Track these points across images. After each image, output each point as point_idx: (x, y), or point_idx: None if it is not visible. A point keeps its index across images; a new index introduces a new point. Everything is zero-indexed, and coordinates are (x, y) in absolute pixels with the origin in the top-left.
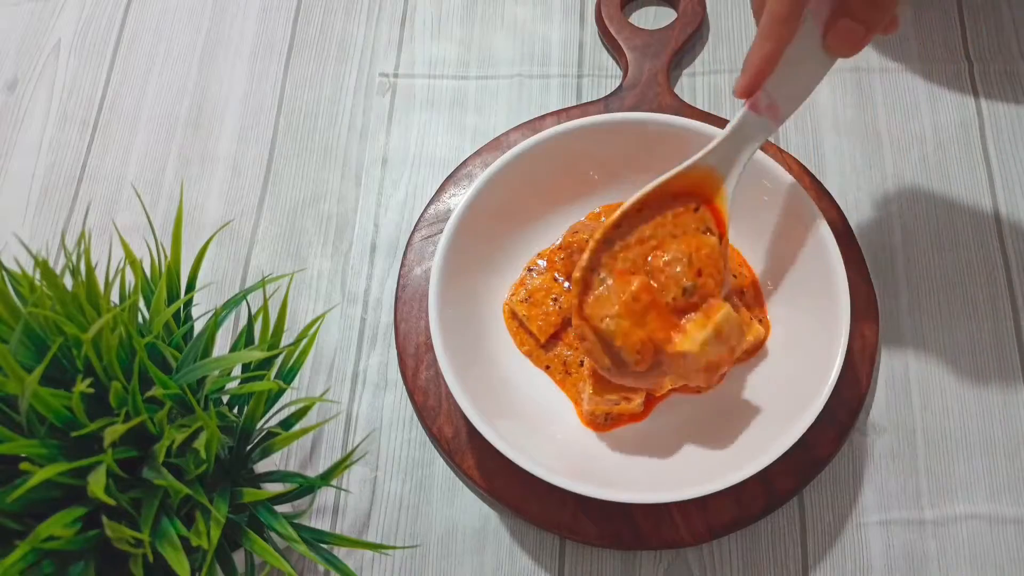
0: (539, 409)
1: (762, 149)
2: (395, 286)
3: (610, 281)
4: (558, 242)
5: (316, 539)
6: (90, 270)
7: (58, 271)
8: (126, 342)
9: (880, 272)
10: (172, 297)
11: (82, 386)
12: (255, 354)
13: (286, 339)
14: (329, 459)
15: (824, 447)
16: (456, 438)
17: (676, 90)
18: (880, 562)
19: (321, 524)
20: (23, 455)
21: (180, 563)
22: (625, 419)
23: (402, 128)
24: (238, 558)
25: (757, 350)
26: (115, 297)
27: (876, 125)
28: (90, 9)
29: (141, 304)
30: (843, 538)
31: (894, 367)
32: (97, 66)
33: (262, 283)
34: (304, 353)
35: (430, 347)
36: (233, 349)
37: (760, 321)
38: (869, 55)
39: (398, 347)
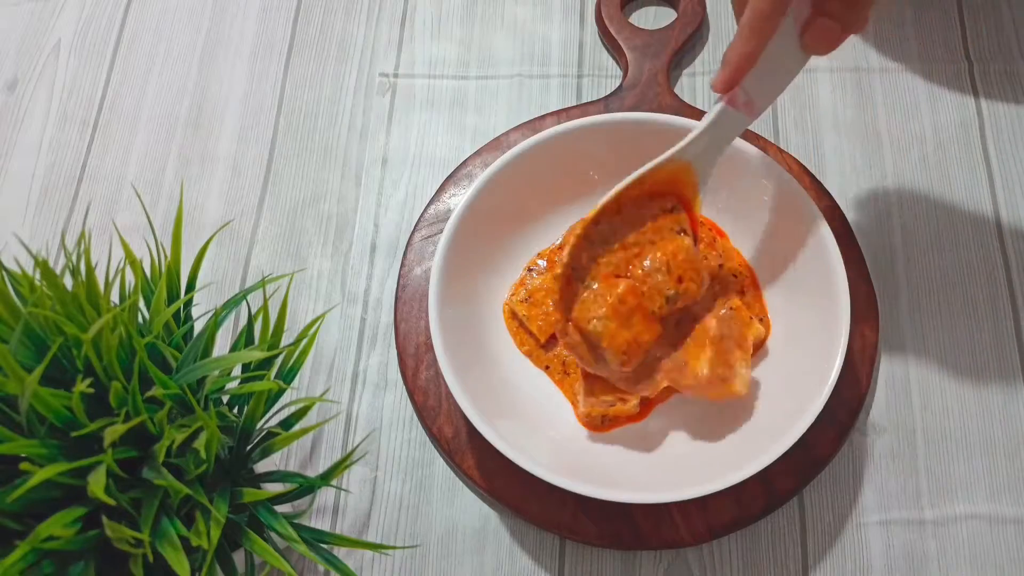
0: (539, 409)
1: (763, 149)
2: (395, 286)
3: (596, 284)
4: (558, 242)
5: (316, 539)
6: (90, 270)
7: (58, 271)
8: (126, 342)
9: (880, 272)
10: (172, 297)
11: (82, 386)
12: (255, 354)
13: (286, 339)
14: (329, 459)
15: (824, 447)
16: (456, 438)
17: (676, 90)
18: (880, 562)
19: (321, 524)
20: (23, 455)
21: (180, 563)
22: (622, 420)
23: (402, 128)
24: (238, 558)
25: (757, 350)
26: (115, 297)
27: (876, 125)
28: (90, 9)
29: (141, 304)
30: (843, 538)
31: (894, 367)
32: (97, 66)
33: (262, 283)
34: (304, 353)
35: (430, 347)
36: (233, 349)
37: (760, 321)
38: (869, 55)
39: (398, 347)
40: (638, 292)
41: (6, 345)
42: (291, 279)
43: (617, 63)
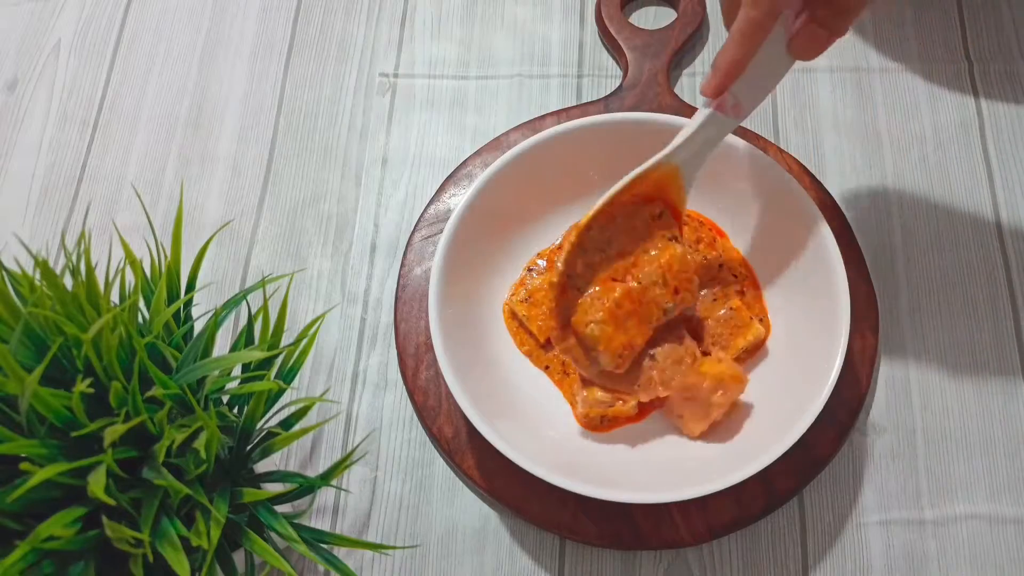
0: (539, 409)
1: (763, 149)
2: (395, 286)
3: (593, 288)
4: (558, 242)
5: (316, 539)
6: (90, 270)
7: (58, 271)
8: (126, 342)
9: (880, 272)
10: (172, 297)
11: (82, 386)
12: (255, 354)
13: (286, 339)
14: (329, 459)
15: (824, 447)
16: (456, 438)
17: (676, 90)
18: (880, 562)
19: (321, 524)
20: (23, 455)
21: (180, 563)
22: (622, 420)
23: (402, 128)
24: (238, 558)
25: (757, 350)
26: (115, 297)
27: (876, 125)
28: (90, 9)
29: (141, 304)
30: (843, 538)
31: (894, 367)
32: (97, 66)
33: (262, 283)
34: (304, 353)
35: (430, 347)
36: (233, 349)
37: (760, 321)
38: (869, 55)
39: (398, 347)
40: (634, 296)
41: (6, 345)
42: (291, 279)
43: (617, 63)
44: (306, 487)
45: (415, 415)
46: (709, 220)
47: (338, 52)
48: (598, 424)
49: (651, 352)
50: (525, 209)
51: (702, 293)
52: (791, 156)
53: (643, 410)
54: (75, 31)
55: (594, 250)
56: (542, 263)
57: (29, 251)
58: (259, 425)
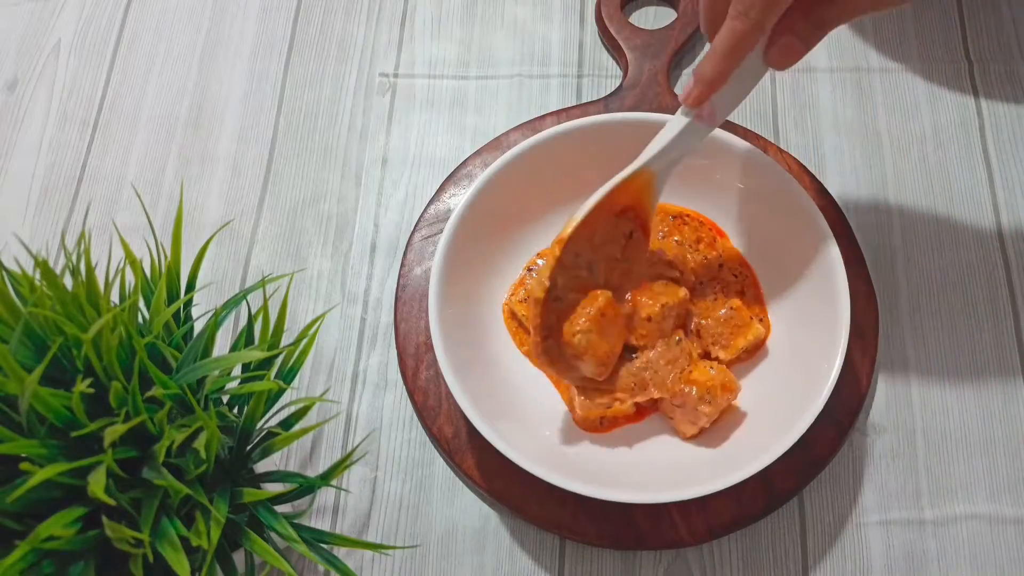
0: (539, 409)
1: (763, 149)
2: (395, 286)
3: (574, 297)
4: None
5: (316, 539)
6: (90, 270)
7: (58, 271)
8: (126, 342)
9: (880, 272)
10: (172, 297)
11: (82, 386)
12: (255, 354)
13: (286, 339)
14: (329, 459)
15: (824, 447)
16: (456, 438)
17: (676, 90)
18: (880, 562)
19: (321, 524)
20: (23, 455)
21: (180, 563)
22: (621, 421)
23: (402, 128)
24: (238, 558)
25: (757, 350)
26: (115, 297)
27: (876, 125)
28: (90, 9)
29: (141, 304)
30: (843, 538)
31: (894, 367)
32: (97, 66)
33: (262, 283)
34: (304, 353)
35: (430, 347)
36: (233, 349)
37: (760, 321)
38: (869, 55)
39: (398, 347)
40: (614, 305)
41: (6, 345)
42: (291, 279)
43: (617, 63)
44: (306, 487)
45: (415, 415)
46: (709, 220)
47: (338, 52)
48: (597, 425)
49: (647, 352)
50: (525, 209)
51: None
52: (791, 156)
53: (642, 410)
54: (75, 31)
55: (575, 265)
56: (542, 263)
57: (29, 251)
58: (259, 425)
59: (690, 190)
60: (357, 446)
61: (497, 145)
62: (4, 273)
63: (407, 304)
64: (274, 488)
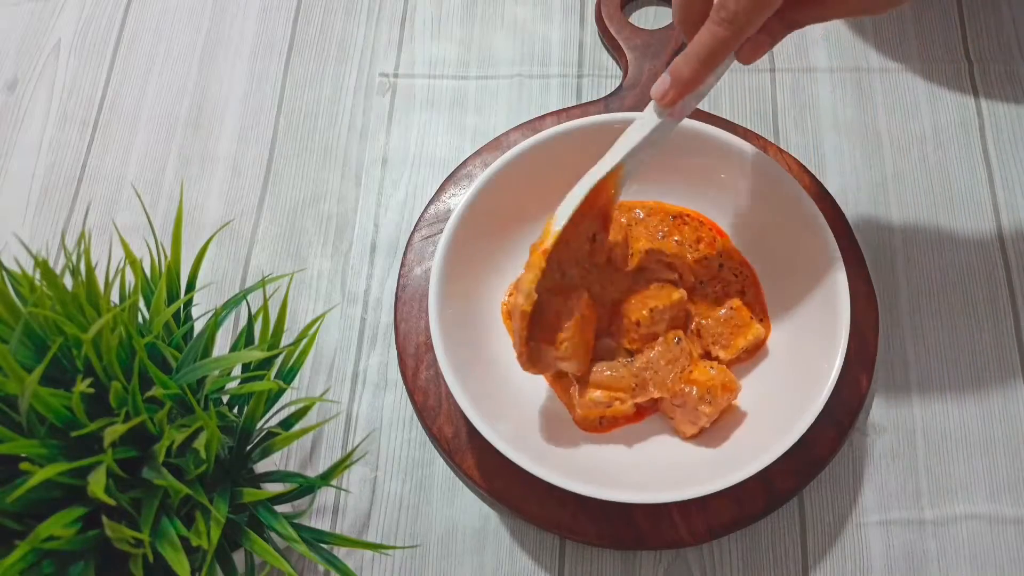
0: (539, 409)
1: (762, 149)
2: (395, 286)
3: (547, 297)
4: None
5: (316, 539)
6: (90, 270)
7: (58, 271)
8: (126, 342)
9: (880, 272)
10: (172, 297)
11: (82, 386)
12: (255, 354)
13: (286, 339)
14: (329, 459)
15: (824, 447)
16: (456, 438)
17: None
18: (880, 562)
19: (321, 524)
20: (23, 455)
21: (180, 563)
22: (620, 421)
23: (402, 128)
24: (238, 558)
25: (757, 350)
26: (115, 297)
27: (876, 125)
28: (90, 9)
29: (141, 304)
30: (843, 538)
31: (894, 367)
32: (97, 66)
33: (262, 283)
34: (304, 353)
35: (430, 347)
36: (233, 349)
37: (760, 321)
38: (869, 55)
39: (398, 347)
40: (593, 305)
41: (6, 345)
42: (291, 279)
43: (617, 63)
44: (306, 487)
45: (415, 415)
46: (709, 220)
47: (338, 52)
48: (597, 425)
49: (647, 352)
50: (525, 209)
51: (703, 289)
52: (791, 156)
53: (642, 411)
54: (75, 31)
55: (550, 270)
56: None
57: (29, 251)
58: (259, 425)
59: (690, 190)
60: (357, 446)
61: (497, 145)
62: (4, 273)
63: (407, 304)
64: (274, 488)
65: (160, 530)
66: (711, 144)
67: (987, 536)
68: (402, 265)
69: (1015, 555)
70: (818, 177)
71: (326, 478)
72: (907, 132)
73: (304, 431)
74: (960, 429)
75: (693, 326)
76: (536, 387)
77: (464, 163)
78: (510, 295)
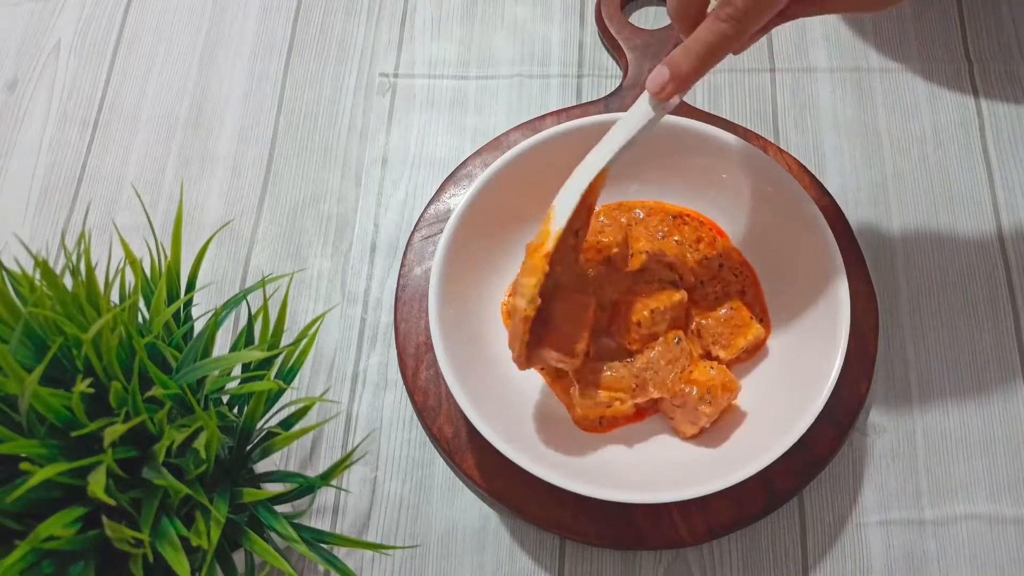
0: (539, 409)
1: (762, 149)
2: (395, 286)
3: (560, 306)
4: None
5: (316, 539)
6: (90, 270)
7: (58, 271)
8: (126, 342)
9: (880, 272)
10: (172, 297)
11: (82, 386)
12: (255, 354)
13: (286, 339)
14: (329, 459)
15: (824, 447)
16: (456, 438)
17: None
18: (880, 562)
19: (321, 524)
20: (23, 455)
21: (180, 563)
22: (620, 421)
23: (402, 128)
24: (238, 558)
25: (757, 350)
26: (115, 297)
27: (876, 125)
28: (90, 9)
29: (141, 304)
30: (843, 538)
31: (894, 367)
32: (97, 66)
33: (262, 283)
34: (304, 353)
35: (430, 347)
36: (233, 349)
37: (760, 320)
38: (869, 55)
39: (398, 347)
40: (597, 313)
41: (6, 345)
42: (291, 279)
43: (617, 63)
44: (306, 487)
45: (415, 415)
46: (709, 220)
47: (338, 52)
48: (597, 425)
49: (647, 352)
50: (525, 209)
51: (703, 288)
52: (791, 156)
53: (642, 411)
54: (75, 31)
55: (551, 273)
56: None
57: (29, 251)
58: (259, 425)
59: (690, 190)
60: (357, 446)
61: (497, 145)
62: (4, 273)
63: (407, 304)
64: (274, 488)
65: (160, 530)
66: (711, 144)
67: (987, 536)
68: (402, 265)
69: (1015, 555)
70: (818, 177)
71: (326, 478)
72: (907, 132)
73: (304, 431)
74: (960, 429)
75: (693, 326)
76: (536, 387)
77: (464, 163)
78: (510, 295)
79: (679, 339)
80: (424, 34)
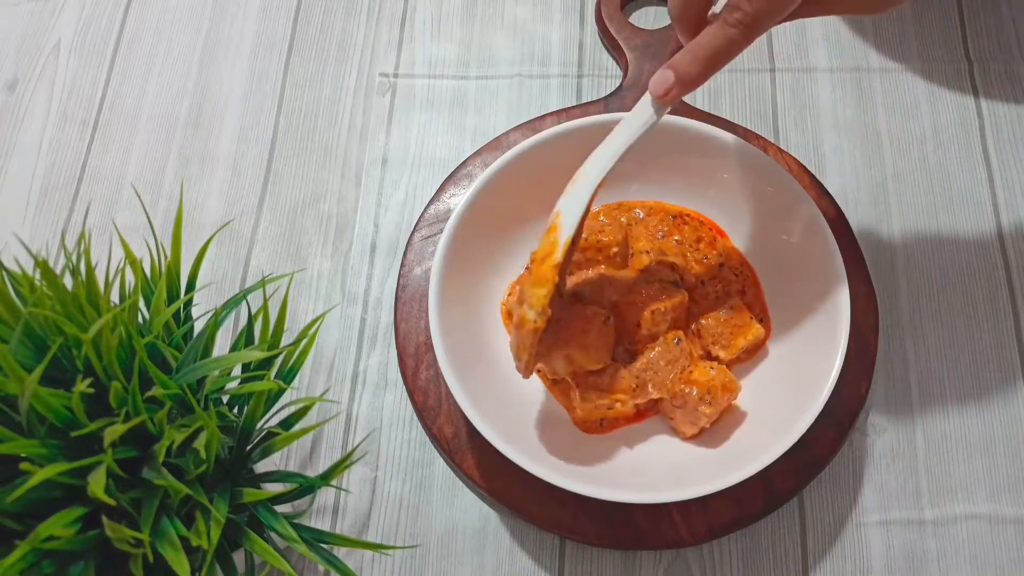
0: (539, 409)
1: (762, 149)
2: (395, 286)
3: (572, 318)
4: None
5: (316, 539)
6: (90, 270)
7: (58, 271)
8: (126, 342)
9: (880, 272)
10: (172, 297)
11: (82, 386)
12: (255, 354)
13: (286, 339)
14: (329, 459)
15: (824, 447)
16: (456, 438)
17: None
18: (880, 562)
19: (321, 524)
20: (23, 455)
21: (180, 563)
22: (620, 422)
23: (402, 128)
24: (238, 558)
25: (757, 350)
26: (115, 297)
27: (876, 125)
28: (90, 9)
29: (141, 304)
30: (843, 538)
31: (894, 367)
32: (97, 66)
33: (262, 283)
34: (304, 353)
35: (430, 347)
36: (233, 349)
37: (760, 321)
38: (869, 55)
39: (398, 347)
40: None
41: (6, 345)
42: (291, 279)
43: (617, 63)
44: (306, 487)
45: (415, 415)
46: (709, 220)
47: (338, 52)
48: (597, 426)
49: (647, 353)
50: (525, 209)
51: (703, 288)
52: (791, 156)
53: (642, 411)
54: (75, 31)
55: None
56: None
57: (29, 251)
58: (259, 425)
59: (690, 190)
60: (357, 446)
61: (497, 145)
62: (4, 273)
63: (407, 304)
64: (274, 488)
65: (160, 530)
66: (711, 144)
67: (987, 536)
68: (402, 265)
69: (1015, 555)
70: (818, 177)
71: (326, 478)
72: (907, 132)
73: (304, 431)
74: (960, 429)
75: (693, 326)
76: (536, 388)
77: (464, 163)
78: (510, 295)
79: (679, 339)
80: (424, 34)
